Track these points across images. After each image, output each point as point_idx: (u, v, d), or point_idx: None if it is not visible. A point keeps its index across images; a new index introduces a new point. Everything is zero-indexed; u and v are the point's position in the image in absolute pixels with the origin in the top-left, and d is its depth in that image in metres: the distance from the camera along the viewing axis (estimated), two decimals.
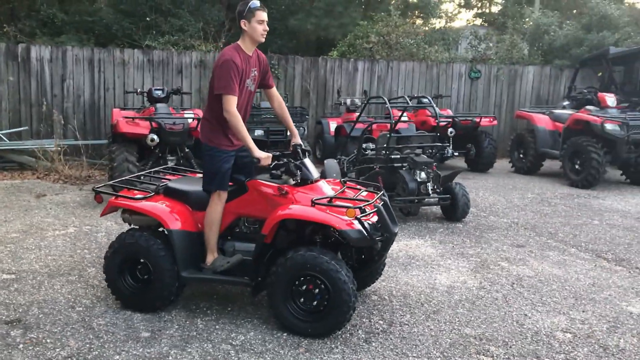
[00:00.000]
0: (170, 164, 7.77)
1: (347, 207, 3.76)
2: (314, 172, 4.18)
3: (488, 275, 5.26)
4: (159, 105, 7.95)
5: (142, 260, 4.21)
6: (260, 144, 8.68)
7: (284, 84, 11.83)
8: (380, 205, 3.99)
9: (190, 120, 7.75)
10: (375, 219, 3.95)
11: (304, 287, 3.87)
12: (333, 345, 3.81)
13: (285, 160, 4.07)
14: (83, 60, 10.65)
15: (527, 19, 17.33)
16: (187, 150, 7.80)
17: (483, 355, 3.75)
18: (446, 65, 13.30)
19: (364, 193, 4.37)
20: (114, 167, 7.37)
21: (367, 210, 3.89)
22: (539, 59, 14.60)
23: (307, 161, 4.18)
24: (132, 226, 4.55)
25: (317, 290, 3.85)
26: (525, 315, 4.39)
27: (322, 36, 16.80)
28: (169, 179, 4.69)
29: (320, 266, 3.77)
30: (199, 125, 7.81)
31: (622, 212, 7.78)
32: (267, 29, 4.22)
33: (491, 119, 11.06)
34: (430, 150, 7.57)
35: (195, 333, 3.94)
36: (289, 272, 3.85)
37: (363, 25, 14.86)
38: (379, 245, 4.08)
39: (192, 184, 4.47)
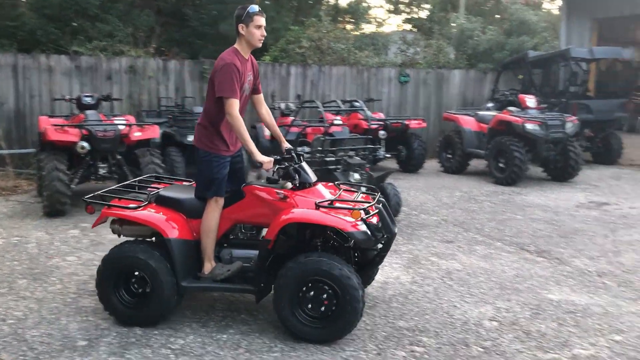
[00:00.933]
0: (102, 172, 7.65)
1: (353, 209, 3.82)
2: (312, 176, 4.20)
3: (420, 270, 5.49)
4: (88, 112, 7.80)
5: (137, 273, 4.08)
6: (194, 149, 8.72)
7: None
8: (380, 206, 4.10)
9: (121, 127, 7.64)
10: (375, 220, 4.02)
11: (312, 292, 3.86)
12: (272, 344, 3.90)
13: (286, 164, 4.08)
14: (6, 67, 10.27)
15: (452, 25, 17.97)
16: (119, 157, 7.69)
17: (415, 345, 3.94)
18: (376, 70, 13.64)
19: (361, 195, 4.42)
20: (42, 176, 7.18)
21: (370, 211, 3.95)
22: (464, 63, 15.21)
23: (305, 164, 4.19)
24: (120, 237, 4.43)
25: (325, 296, 3.85)
26: (455, 306, 4.63)
27: None
28: (157, 188, 4.58)
29: (331, 272, 3.76)
30: (131, 132, 7.86)
31: (543, 207, 8.25)
32: (265, 34, 4.18)
33: (420, 122, 11.43)
34: (363, 152, 7.79)
35: (133, 339, 3.93)
36: (298, 277, 3.83)
37: (295, 30, 15.03)
38: (378, 247, 4.17)
39: (184, 192, 4.39)
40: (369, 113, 10.96)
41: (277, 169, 4.04)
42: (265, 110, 4.47)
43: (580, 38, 15.13)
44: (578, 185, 9.89)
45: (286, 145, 4.34)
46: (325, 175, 7.33)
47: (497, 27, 16.28)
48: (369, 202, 4.08)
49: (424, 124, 11.57)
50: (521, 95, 10.63)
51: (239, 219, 4.25)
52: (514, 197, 8.92)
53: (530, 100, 10.31)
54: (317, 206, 3.87)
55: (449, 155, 11.41)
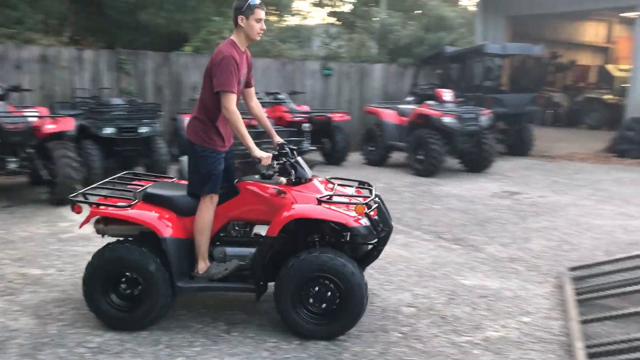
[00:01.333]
0: (12, 167, 7.28)
1: (357, 204, 3.83)
2: (308, 171, 4.15)
3: None
4: None
5: (128, 275, 3.94)
6: (112, 142, 8.46)
7: (135, 80, 11.47)
8: (379, 200, 4.11)
9: (32, 119, 7.28)
10: (373, 213, 3.98)
11: (316, 288, 3.85)
12: (193, 339, 3.87)
13: (285, 159, 4.00)
14: None
15: (374, 19, 18.28)
16: (30, 151, 7.33)
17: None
18: (300, 63, 13.68)
19: (353, 190, 4.40)
20: None
21: (371, 205, 3.93)
22: (386, 57, 15.50)
23: (300, 160, 4.12)
24: (104, 237, 4.26)
25: (328, 292, 3.84)
26: (375, 294, 4.74)
27: (174, 31, 16.47)
28: (140, 185, 4.41)
29: (336, 267, 3.76)
30: (43, 124, 7.52)
31: (459, 197, 8.58)
32: (265, 27, 4.06)
33: (343, 115, 11.57)
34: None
35: (47, 339, 3.80)
36: (302, 273, 3.80)
37: (217, 21, 14.80)
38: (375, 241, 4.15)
39: (172, 189, 4.25)
40: (293, 105, 10.99)
41: (275, 164, 3.97)
42: (255, 104, 4.35)
43: (495, 34, 15.78)
44: (492, 176, 10.35)
45: (278, 139, 4.25)
46: (248, 167, 7.30)
47: (417, 22, 16.71)
48: (368, 197, 4.08)
49: (348, 117, 11.71)
50: (438, 90, 10.98)
51: (233, 216, 4.14)
52: (432, 188, 9.21)
53: (447, 95, 10.66)
54: (319, 201, 3.86)
55: (371, 148, 11.62)
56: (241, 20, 3.94)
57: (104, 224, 4.11)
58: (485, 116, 10.44)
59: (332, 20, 26.81)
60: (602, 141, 13.36)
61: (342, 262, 3.79)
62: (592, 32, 22.17)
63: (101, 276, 3.92)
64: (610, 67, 20.14)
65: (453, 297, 4.73)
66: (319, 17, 28.64)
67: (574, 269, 5.26)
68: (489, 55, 12.42)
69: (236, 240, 4.22)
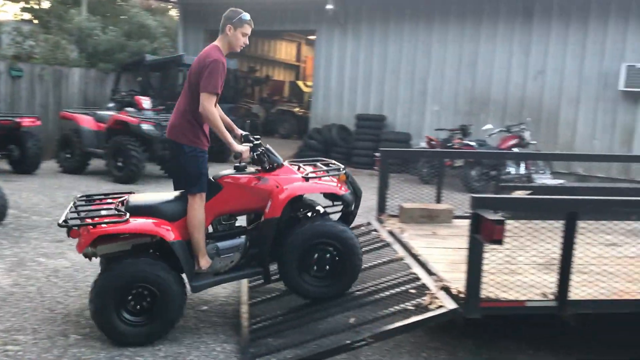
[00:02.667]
0: None
1: (339, 175, 4.39)
2: (280, 157, 4.39)
3: (24, 272, 5.36)
4: None
5: (135, 291, 3.94)
6: None
7: None
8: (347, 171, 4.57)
9: None
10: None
11: (317, 255, 4.26)
12: None
13: (259, 150, 4.22)
14: None
15: (72, 20, 17.39)
16: None
17: (11, 345, 3.92)
18: None
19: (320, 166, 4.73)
20: None
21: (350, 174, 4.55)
22: (84, 62, 14.92)
23: (270, 147, 4.34)
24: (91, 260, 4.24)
25: (328, 256, 4.28)
26: (58, 302, 4.71)
27: None
28: (110, 203, 4.34)
29: (337, 233, 4.23)
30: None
31: None
32: (247, 42, 4.26)
33: (34, 119, 10.84)
34: None
35: None
36: (307, 241, 4.19)
37: None
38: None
39: (153, 198, 4.28)
40: None
41: (253, 155, 4.21)
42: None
43: (196, 46, 16.42)
44: None
45: (240, 131, 4.51)
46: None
47: (119, 28, 16.45)
48: (339, 170, 4.53)
49: (39, 122, 10.98)
50: (137, 97, 11.08)
51: (220, 212, 4.30)
52: None
53: (146, 102, 10.83)
54: (307, 179, 4.29)
55: (68, 155, 11.12)
56: (229, 29, 4.17)
57: (92, 245, 3.97)
58: None
59: (27, 16, 24.59)
60: (291, 149, 14.99)
61: (342, 228, 4.31)
62: (286, 50, 24.61)
63: (110, 293, 3.89)
64: (300, 83, 22.66)
65: None
66: (11, 12, 25.92)
67: None
68: (186, 66, 12.93)
69: (225, 234, 4.38)
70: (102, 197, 4.65)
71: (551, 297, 3.69)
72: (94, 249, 4.04)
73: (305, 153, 13.90)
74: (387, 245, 5.10)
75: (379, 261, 4.80)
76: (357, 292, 4.35)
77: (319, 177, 4.41)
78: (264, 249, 4.26)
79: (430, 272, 4.22)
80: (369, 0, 13.60)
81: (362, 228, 5.79)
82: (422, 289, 4.00)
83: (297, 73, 25.44)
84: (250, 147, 4.25)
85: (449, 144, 11.37)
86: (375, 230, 5.60)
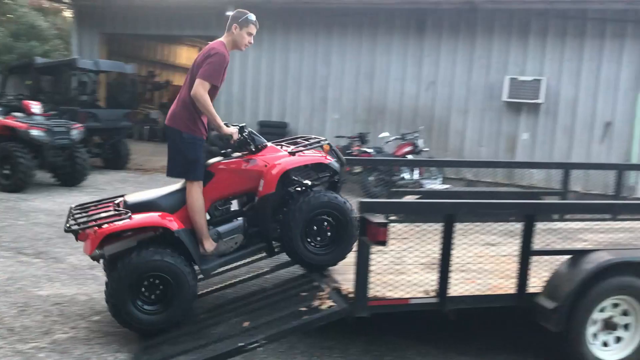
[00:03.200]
0: None
1: (323, 144, 4.72)
2: (263, 138, 4.60)
3: None
4: None
5: (147, 281, 4.12)
6: None
7: None
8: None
9: None
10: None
11: (317, 224, 4.45)
12: None
13: (247, 132, 4.48)
14: None
15: None
16: None
17: None
18: None
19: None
20: None
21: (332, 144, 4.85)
22: None
23: (253, 130, 4.57)
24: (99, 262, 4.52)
25: (327, 225, 4.46)
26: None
27: None
28: (109, 205, 4.56)
29: (338, 204, 4.43)
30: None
31: (48, 211, 8.46)
32: (252, 42, 4.53)
33: None
34: None
35: None
36: (311, 210, 4.36)
37: None
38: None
39: (148, 195, 4.50)
40: None
41: (242, 139, 4.46)
42: None
43: (92, 50, 15.88)
44: (86, 189, 10.44)
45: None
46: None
47: (5, 29, 15.56)
48: (320, 142, 4.79)
49: None
50: (26, 101, 10.53)
51: (215, 197, 4.46)
52: (20, 204, 8.83)
53: (36, 107, 10.32)
54: (292, 154, 4.51)
55: None
56: (235, 28, 4.44)
57: (99, 247, 4.10)
58: (77, 130, 10.48)
59: None
60: None
61: (343, 199, 4.49)
62: (187, 55, 24.22)
63: (129, 284, 4.05)
64: None
65: (24, 309, 4.77)
66: None
67: None
68: (82, 70, 12.48)
69: (223, 219, 4.51)
70: (96, 203, 4.85)
71: (433, 294, 3.96)
72: (102, 251, 4.19)
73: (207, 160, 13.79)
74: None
75: (274, 265, 4.91)
76: (253, 297, 4.43)
77: (303, 151, 4.64)
78: (265, 226, 4.49)
79: (323, 275, 4.39)
80: (270, 9, 13.76)
81: None
82: (316, 291, 4.15)
83: None
84: (238, 128, 4.49)
85: (348, 151, 11.71)
86: None
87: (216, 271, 4.66)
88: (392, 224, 5.28)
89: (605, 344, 4.16)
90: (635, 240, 5.19)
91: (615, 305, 4.12)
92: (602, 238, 5.82)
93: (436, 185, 9.66)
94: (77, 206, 4.81)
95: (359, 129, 12.92)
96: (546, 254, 4.24)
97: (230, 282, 4.97)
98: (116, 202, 4.57)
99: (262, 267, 5.09)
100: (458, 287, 4.07)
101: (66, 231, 4.23)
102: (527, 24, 11.90)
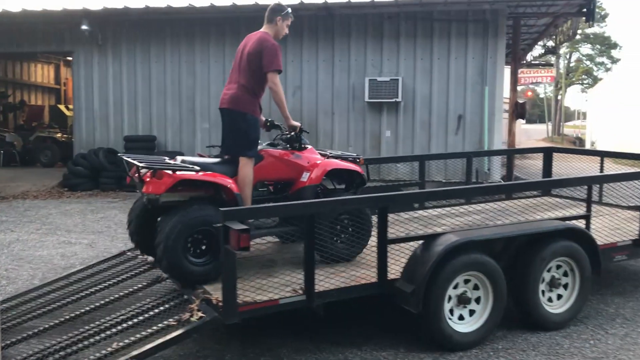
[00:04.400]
0: None
1: (358, 158, 5.54)
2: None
3: None
4: None
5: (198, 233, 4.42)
6: None
7: None
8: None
9: None
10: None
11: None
12: None
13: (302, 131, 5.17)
14: None
15: None
16: None
17: None
18: None
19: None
20: None
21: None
22: None
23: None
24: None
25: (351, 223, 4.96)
26: None
27: None
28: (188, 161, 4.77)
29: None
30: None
31: None
32: (288, 33, 5.15)
33: None
34: None
35: None
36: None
37: None
38: None
39: (206, 160, 4.91)
40: None
41: (283, 135, 5.24)
42: None
43: None
44: None
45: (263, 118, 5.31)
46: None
47: None
48: (356, 157, 5.59)
49: None
50: None
51: (259, 178, 4.92)
52: None
53: None
54: (328, 157, 5.29)
55: None
56: (279, 20, 5.03)
57: (172, 190, 4.45)
58: None
59: None
60: (54, 178, 14.00)
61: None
62: (42, 73, 22.83)
63: (183, 238, 4.33)
64: (62, 107, 21.19)
65: None
66: None
67: (2, 301, 5.50)
68: None
69: (262, 199, 5.00)
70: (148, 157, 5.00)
71: (300, 292, 4.11)
72: (159, 195, 4.43)
73: (70, 181, 13.12)
74: (153, 267, 5.13)
75: (145, 283, 4.82)
76: (121, 317, 4.32)
77: (340, 158, 5.39)
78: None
79: (194, 287, 4.38)
80: (127, 21, 13.38)
81: (128, 254, 5.72)
82: (186, 304, 4.15)
83: (57, 96, 23.73)
84: (299, 126, 5.15)
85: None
86: (141, 254, 5.58)
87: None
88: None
89: (461, 318, 4.55)
90: (487, 220, 5.67)
91: (467, 281, 4.52)
92: (458, 221, 6.32)
93: None
94: (129, 155, 4.97)
95: None
96: (401, 241, 4.53)
97: (100, 302, 4.81)
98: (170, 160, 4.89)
99: (133, 285, 4.96)
100: (325, 282, 4.24)
101: (143, 168, 4.44)
102: (381, 28, 12.57)
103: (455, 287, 4.47)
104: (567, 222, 5.05)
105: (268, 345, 4.59)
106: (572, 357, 4.42)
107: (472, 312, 4.57)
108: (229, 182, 4.63)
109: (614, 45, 52.44)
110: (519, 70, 24.54)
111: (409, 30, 12.47)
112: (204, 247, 4.48)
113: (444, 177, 11.56)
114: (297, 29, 12.86)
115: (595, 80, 52.44)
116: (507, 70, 14.04)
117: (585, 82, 55.58)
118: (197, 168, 4.57)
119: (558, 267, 4.93)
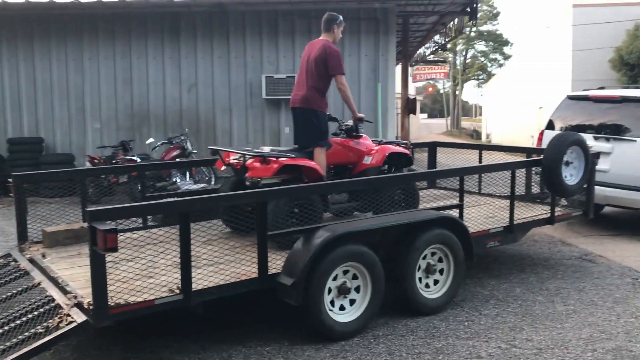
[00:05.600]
0: None
1: (405, 143, 6.69)
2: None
3: None
4: None
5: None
6: None
7: None
8: None
9: None
10: None
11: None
12: None
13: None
14: None
15: None
16: None
17: None
18: None
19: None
20: None
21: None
22: None
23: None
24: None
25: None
26: None
27: None
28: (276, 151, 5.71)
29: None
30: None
31: None
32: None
33: None
34: None
35: None
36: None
37: None
38: None
39: (283, 149, 5.96)
40: None
41: (341, 125, 6.38)
42: None
43: None
44: None
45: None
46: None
47: None
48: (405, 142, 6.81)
49: None
50: None
51: (329, 163, 5.89)
52: None
53: None
54: (379, 143, 6.34)
55: None
56: (335, 28, 6.00)
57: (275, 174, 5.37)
58: None
59: None
60: None
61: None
62: None
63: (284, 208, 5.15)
64: None
65: None
66: None
67: None
68: None
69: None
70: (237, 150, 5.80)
71: (177, 291, 4.05)
72: (263, 178, 5.33)
73: None
74: (26, 273, 4.87)
75: (14, 292, 4.57)
76: None
77: (393, 144, 6.47)
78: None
79: (66, 292, 4.21)
80: (7, 17, 12.59)
81: (1, 260, 5.40)
82: (56, 310, 3.97)
83: None
84: (364, 117, 6.28)
85: (113, 161, 11.27)
86: (14, 260, 5.29)
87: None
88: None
89: (342, 308, 4.66)
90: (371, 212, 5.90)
91: (346, 272, 4.64)
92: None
93: (192, 186, 9.76)
94: (216, 148, 6.00)
95: (123, 136, 12.51)
96: (280, 235, 4.58)
97: None
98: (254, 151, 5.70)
99: (2, 293, 4.69)
100: (205, 281, 4.20)
101: (259, 156, 5.42)
102: (276, 25, 12.61)
103: (335, 278, 4.57)
104: (441, 211, 5.30)
105: (151, 348, 4.50)
106: (447, 339, 4.64)
107: (352, 302, 4.70)
108: (318, 167, 5.61)
109: (506, 43, 55.60)
110: (415, 67, 25.56)
111: (303, 28, 12.59)
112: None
113: None
114: (190, 25, 12.66)
115: (490, 75, 55.39)
116: (399, 67, 14.52)
117: (480, 77, 58.53)
118: (292, 155, 5.54)
119: (433, 254, 5.17)
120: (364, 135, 6.33)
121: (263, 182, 5.33)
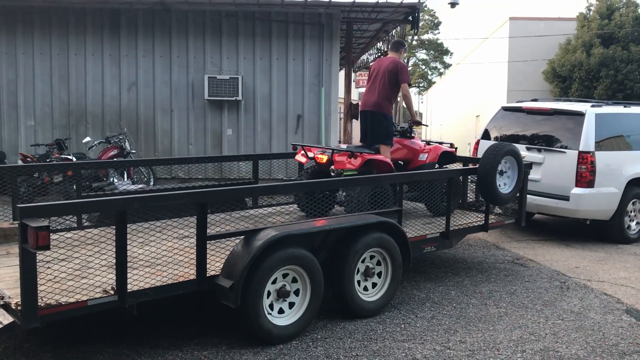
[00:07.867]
0: None
1: (451, 144, 7.49)
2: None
3: None
4: None
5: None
6: None
7: None
8: None
9: None
10: None
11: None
12: None
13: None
14: None
15: None
16: None
17: None
18: None
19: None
20: None
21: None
22: None
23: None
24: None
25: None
26: None
27: None
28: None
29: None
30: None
31: None
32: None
33: None
34: None
35: None
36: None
37: None
38: None
39: (356, 146, 6.88)
40: None
41: (399, 126, 7.51)
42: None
43: None
44: None
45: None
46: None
47: None
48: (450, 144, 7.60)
49: None
50: None
51: (393, 158, 6.86)
52: None
53: None
54: (427, 143, 7.37)
55: None
56: (403, 50, 7.36)
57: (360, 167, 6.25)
58: None
59: None
60: None
61: None
62: None
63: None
64: None
65: None
66: None
67: None
68: None
69: None
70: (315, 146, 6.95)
71: (112, 292, 3.95)
72: (347, 170, 6.29)
73: None
74: None
75: None
76: None
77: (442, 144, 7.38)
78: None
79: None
80: None
81: None
82: None
83: None
84: (420, 121, 7.50)
85: (48, 159, 10.86)
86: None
87: None
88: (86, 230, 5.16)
89: (281, 311, 4.65)
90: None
91: (285, 275, 4.64)
92: (287, 219, 6.48)
93: (130, 186, 9.53)
94: (300, 144, 7.08)
95: (59, 135, 12.06)
96: (220, 237, 4.53)
97: None
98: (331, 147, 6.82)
99: None
100: (142, 282, 4.11)
101: (346, 150, 6.44)
102: (219, 25, 12.48)
103: (274, 281, 4.56)
104: (380, 216, 5.38)
105: (83, 354, 4.36)
106: (384, 341, 4.71)
107: (291, 305, 4.70)
108: (389, 160, 6.46)
109: (446, 52, 57.10)
110: (358, 73, 25.80)
111: (247, 30, 12.52)
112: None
113: (285, 175, 11.75)
114: (131, 22, 12.38)
115: (430, 83, 56.68)
116: (342, 73, 14.66)
117: (421, 85, 59.82)
118: (370, 151, 6.53)
119: (372, 257, 5.25)
120: (416, 136, 7.46)
121: (345, 173, 6.28)
